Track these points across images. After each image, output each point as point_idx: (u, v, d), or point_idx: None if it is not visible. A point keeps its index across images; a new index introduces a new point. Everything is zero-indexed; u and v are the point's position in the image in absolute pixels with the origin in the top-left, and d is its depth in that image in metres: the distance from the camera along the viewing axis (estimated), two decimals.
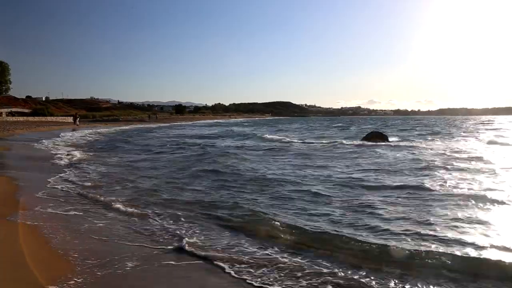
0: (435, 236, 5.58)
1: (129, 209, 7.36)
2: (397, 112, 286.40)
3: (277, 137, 29.48)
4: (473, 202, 7.55)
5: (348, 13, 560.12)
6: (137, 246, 5.38)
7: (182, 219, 6.72)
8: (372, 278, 4.32)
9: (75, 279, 4.21)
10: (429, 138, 28.31)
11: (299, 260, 4.84)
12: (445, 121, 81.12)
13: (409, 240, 5.45)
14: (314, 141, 25.62)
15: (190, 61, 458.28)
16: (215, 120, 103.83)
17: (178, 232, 6.00)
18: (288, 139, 27.25)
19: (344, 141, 24.37)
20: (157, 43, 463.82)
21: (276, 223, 6.23)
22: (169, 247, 5.35)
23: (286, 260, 4.83)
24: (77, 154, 16.73)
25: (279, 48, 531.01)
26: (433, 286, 4.13)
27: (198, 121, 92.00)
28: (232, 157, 15.87)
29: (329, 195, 8.44)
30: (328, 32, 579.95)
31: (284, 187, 9.54)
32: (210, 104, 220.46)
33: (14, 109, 69.39)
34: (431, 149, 19.36)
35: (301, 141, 26.14)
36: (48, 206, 7.44)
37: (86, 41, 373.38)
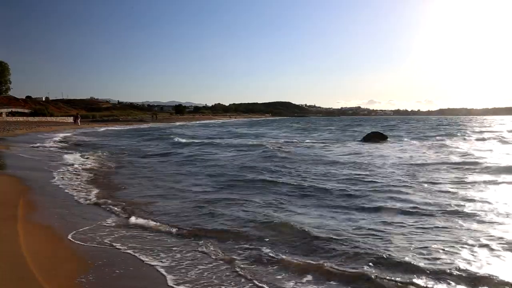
0: None
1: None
2: (397, 112, 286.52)
3: (184, 140, 27.01)
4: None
5: (348, 13, 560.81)
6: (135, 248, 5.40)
7: None
8: None
9: (77, 280, 4.22)
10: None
11: None
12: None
13: None
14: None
15: (190, 61, 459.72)
16: (209, 121, 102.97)
17: None
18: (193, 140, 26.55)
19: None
20: (157, 43, 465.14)
21: None
22: None
23: None
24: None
25: (279, 48, 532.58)
26: None
27: (196, 122, 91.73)
28: None
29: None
30: (328, 32, 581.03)
31: None
32: (210, 104, 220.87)
33: (14, 109, 69.36)
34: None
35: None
36: (49, 206, 7.46)
37: (86, 41, 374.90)
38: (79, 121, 54.31)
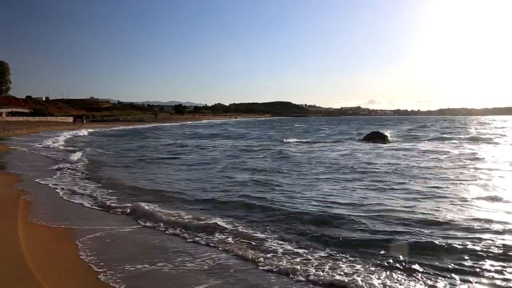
0: None
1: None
2: (397, 112, 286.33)
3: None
4: None
5: (348, 13, 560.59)
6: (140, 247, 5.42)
7: None
8: None
9: (78, 280, 4.24)
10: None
11: None
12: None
13: None
14: None
15: (190, 61, 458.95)
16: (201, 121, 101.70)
17: None
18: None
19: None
20: (157, 43, 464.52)
21: None
22: None
23: None
24: None
25: (279, 48, 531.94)
26: None
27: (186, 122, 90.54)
28: None
29: None
30: (328, 32, 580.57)
31: None
32: (210, 104, 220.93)
33: (14, 109, 69.41)
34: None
35: None
36: (50, 206, 7.48)
37: (86, 41, 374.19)
38: (84, 120, 56.30)
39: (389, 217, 6.62)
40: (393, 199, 8.11)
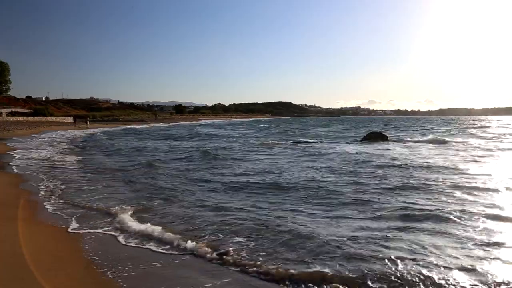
0: None
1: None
2: (397, 112, 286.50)
3: None
4: None
5: (348, 13, 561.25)
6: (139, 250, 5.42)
7: None
8: None
9: (78, 280, 4.23)
10: None
11: None
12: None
13: None
14: None
15: (190, 61, 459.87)
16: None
17: None
18: None
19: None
20: (157, 43, 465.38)
21: None
22: None
23: None
24: None
25: (279, 48, 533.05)
26: None
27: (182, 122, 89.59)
28: None
29: None
30: (329, 32, 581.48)
31: None
32: (210, 104, 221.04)
33: (14, 109, 69.37)
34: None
35: None
36: (50, 206, 7.48)
37: (86, 41, 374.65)
38: (88, 122, 57.31)
39: None
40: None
